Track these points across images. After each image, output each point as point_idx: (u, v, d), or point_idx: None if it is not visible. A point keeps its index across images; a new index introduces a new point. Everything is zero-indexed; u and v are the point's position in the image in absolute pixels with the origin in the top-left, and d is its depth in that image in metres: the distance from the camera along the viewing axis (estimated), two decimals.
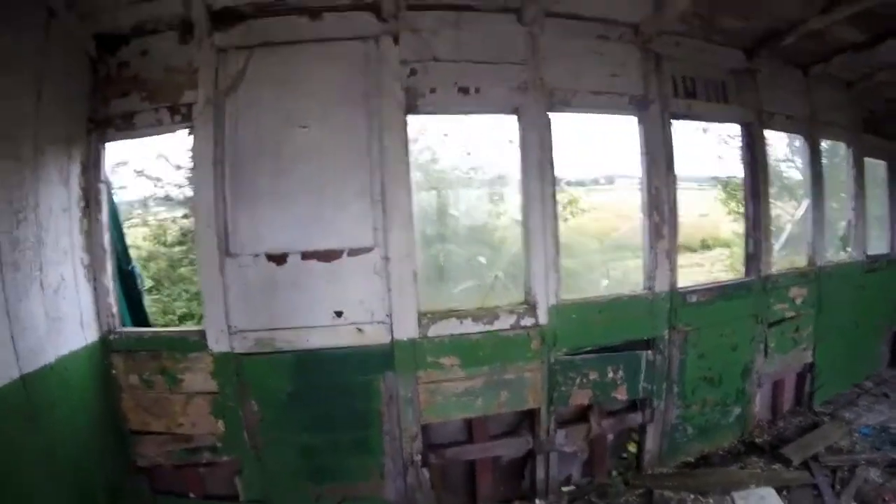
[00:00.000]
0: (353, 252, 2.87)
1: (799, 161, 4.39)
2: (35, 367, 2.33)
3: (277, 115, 2.83)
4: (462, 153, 3.23)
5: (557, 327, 3.07)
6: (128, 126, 2.89)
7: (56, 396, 2.46)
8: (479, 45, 3.04)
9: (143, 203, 5.92)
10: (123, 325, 3.07)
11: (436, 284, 3.18)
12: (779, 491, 3.27)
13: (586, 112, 3.37)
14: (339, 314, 2.90)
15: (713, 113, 3.76)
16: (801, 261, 4.14)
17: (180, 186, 5.55)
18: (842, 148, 4.69)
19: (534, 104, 3.08)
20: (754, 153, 3.81)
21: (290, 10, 2.83)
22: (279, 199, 2.87)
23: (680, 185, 3.55)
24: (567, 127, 3.29)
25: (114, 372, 2.88)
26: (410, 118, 3.00)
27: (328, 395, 2.95)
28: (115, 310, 2.98)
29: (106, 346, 2.86)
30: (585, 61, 3.22)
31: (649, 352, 3.30)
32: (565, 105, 3.18)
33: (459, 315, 3.01)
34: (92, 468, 2.65)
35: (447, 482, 3.25)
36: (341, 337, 2.90)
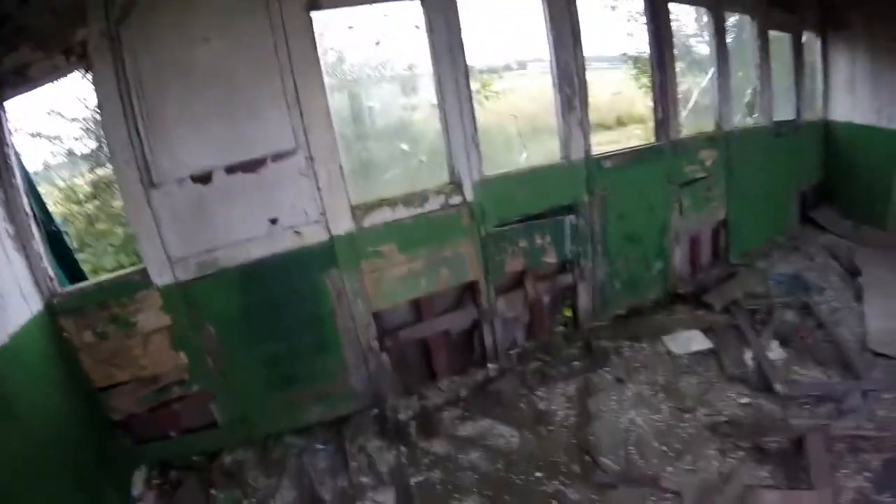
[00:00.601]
0: (277, 157, 3.11)
1: (707, 36, 5.02)
2: None
3: (177, 34, 2.92)
4: (370, 45, 3.51)
5: (484, 202, 3.56)
6: (22, 80, 2.89)
7: (19, 377, 2.51)
8: None
9: (46, 166, 5.80)
10: (62, 286, 3.17)
11: (364, 178, 3.54)
12: (704, 332, 4.05)
13: None
14: (273, 221, 3.18)
15: None
16: (708, 126, 4.81)
17: (80, 139, 5.53)
18: (747, 21, 5.33)
19: None
20: (658, 25, 4.29)
21: None
22: (193, 119, 2.99)
23: (591, 64, 4.01)
24: (475, 12, 3.59)
25: (66, 335, 3.00)
26: (314, 14, 3.14)
27: (280, 303, 3.28)
28: (51, 272, 3.06)
29: (52, 311, 2.95)
30: None
31: (572, 216, 3.91)
32: None
33: (391, 203, 3.41)
34: (70, 438, 2.75)
35: (406, 362, 3.80)
36: (281, 243, 3.21)
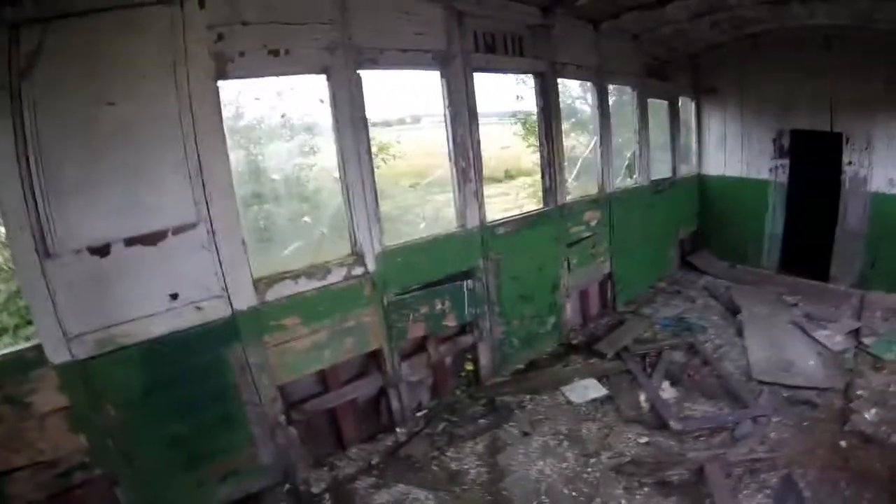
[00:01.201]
0: (178, 230, 3.24)
1: (590, 98, 6.16)
2: None
3: (82, 94, 2.97)
4: (275, 115, 3.91)
5: (385, 272, 4.01)
6: None
7: None
8: (288, 5, 3.51)
9: None
10: None
11: (266, 250, 3.89)
12: (599, 379, 4.81)
13: (394, 69, 4.21)
14: (174, 296, 3.28)
15: (511, 65, 5.01)
16: (592, 189, 5.82)
17: None
18: (628, 91, 6.59)
19: (343, 63, 3.74)
20: (548, 100, 5.19)
21: None
22: (93, 186, 3.04)
23: (482, 120, 4.60)
24: (374, 76, 4.05)
25: None
26: (221, 83, 3.34)
27: (182, 380, 3.39)
28: None
29: None
30: (393, 20, 4.00)
31: (469, 281, 4.52)
32: (374, 63, 3.93)
33: (293, 275, 3.69)
34: None
35: (314, 433, 4.05)
36: (182, 318, 3.31)
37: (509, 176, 9.88)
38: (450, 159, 4.41)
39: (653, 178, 6.71)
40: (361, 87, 3.91)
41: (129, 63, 3.10)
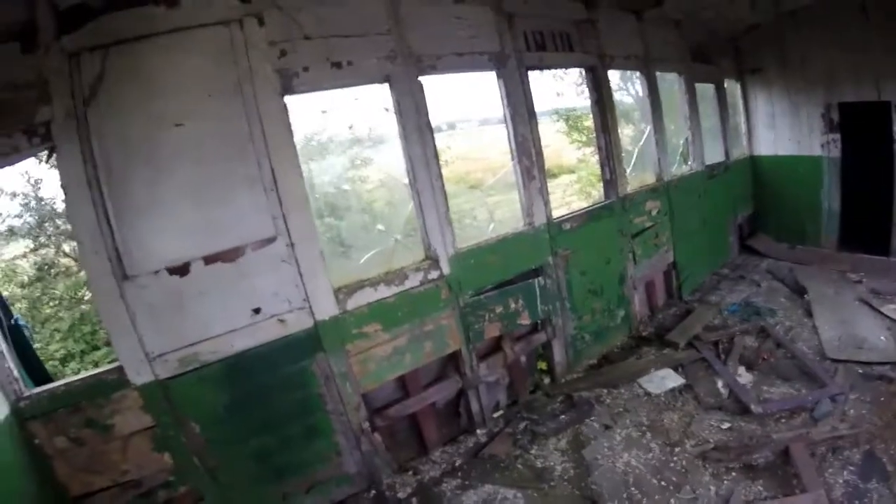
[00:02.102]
0: (257, 245, 3.35)
1: (631, 88, 6.12)
2: None
3: (148, 117, 3.07)
4: (342, 126, 4.04)
5: (460, 274, 4.08)
6: None
7: None
8: (345, 18, 3.62)
9: None
10: (27, 387, 3.14)
11: (342, 259, 4.01)
12: (674, 369, 4.78)
13: (452, 73, 4.28)
14: (256, 311, 3.37)
15: (562, 61, 5.07)
16: (650, 178, 5.79)
17: (20, 216, 5.48)
18: (675, 77, 6.47)
19: (404, 71, 3.84)
20: (600, 93, 5.20)
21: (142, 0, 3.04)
22: (167, 206, 3.12)
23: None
24: (432, 81, 4.14)
25: (37, 441, 2.99)
26: (288, 99, 3.44)
27: (266, 394, 3.47)
28: (15, 373, 3.05)
29: (19, 415, 2.95)
30: (445, 25, 4.09)
31: (540, 278, 4.55)
32: (433, 69, 4.02)
33: (372, 282, 3.80)
34: None
35: (396, 439, 4.14)
36: (265, 332, 3.40)
37: (552, 175, 9.88)
38: (513, 158, 4.47)
39: (707, 164, 6.57)
40: (424, 94, 4.00)
41: (193, 84, 3.20)
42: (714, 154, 6.91)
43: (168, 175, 3.15)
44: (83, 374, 3.36)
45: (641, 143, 5.85)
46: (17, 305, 5.26)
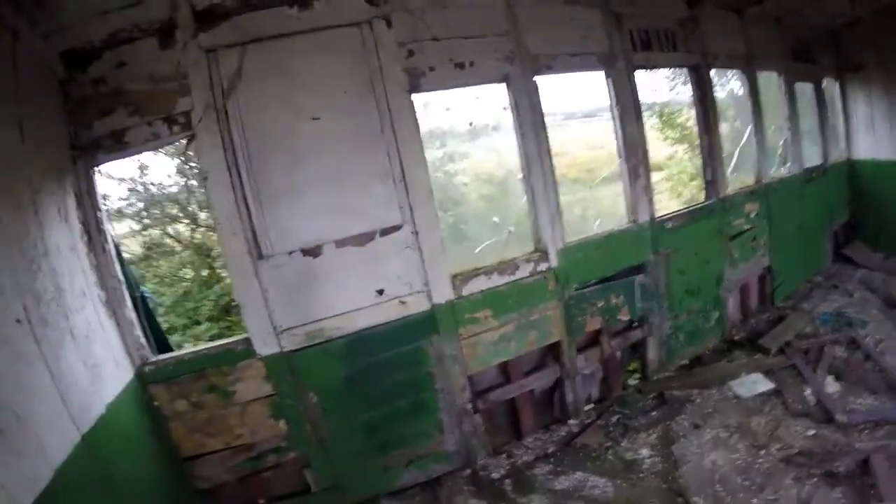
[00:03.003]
0: (385, 232, 3.67)
1: (727, 85, 6.05)
2: (90, 423, 2.61)
3: (285, 110, 3.37)
4: (464, 123, 4.31)
5: (567, 267, 4.29)
6: (119, 145, 3.25)
7: (116, 446, 2.77)
8: (466, 20, 3.86)
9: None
10: (152, 354, 3.51)
11: (459, 247, 4.30)
12: (765, 374, 4.82)
13: (565, 72, 4.46)
14: (380, 292, 3.70)
15: (667, 61, 5.16)
16: (749, 180, 5.76)
17: (126, 199, 6.22)
18: (774, 77, 6.35)
19: (521, 71, 4.07)
20: (703, 91, 5.24)
21: (275, 1, 3.35)
22: (302, 193, 3.44)
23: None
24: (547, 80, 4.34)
25: (157, 404, 3.32)
26: (415, 97, 3.72)
27: (382, 370, 3.77)
28: (143, 340, 3.40)
29: (142, 379, 3.28)
30: (559, 27, 4.28)
31: (640, 276, 4.70)
32: (548, 69, 4.23)
33: (486, 271, 4.07)
34: None
35: (494, 423, 4.41)
36: (386, 312, 3.72)
37: None
38: (620, 156, 4.63)
39: (805, 167, 6.44)
40: (538, 93, 4.22)
41: (328, 81, 3.49)
42: (812, 157, 6.76)
43: (304, 164, 3.49)
44: (211, 344, 3.74)
45: (742, 143, 5.81)
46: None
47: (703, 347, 5.34)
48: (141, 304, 3.62)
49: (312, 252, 3.57)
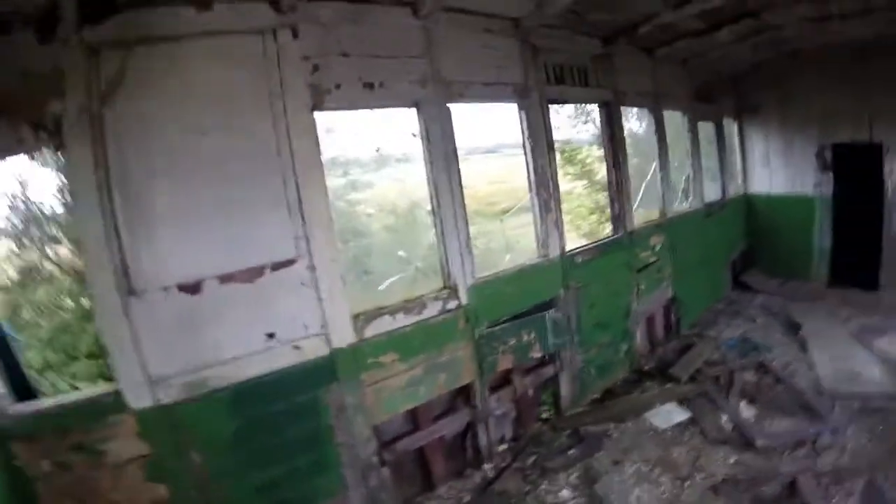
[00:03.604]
0: (277, 266, 3.27)
1: (647, 125, 6.40)
2: None
3: (170, 123, 2.96)
4: (370, 150, 4.07)
5: (477, 304, 4.14)
6: None
7: None
8: (380, 39, 3.66)
9: None
10: (12, 404, 2.96)
11: (361, 284, 4.02)
12: (679, 403, 4.96)
13: (479, 102, 4.41)
14: (271, 336, 3.29)
15: (580, 96, 5.29)
16: (654, 214, 6.07)
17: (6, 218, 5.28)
18: (678, 115, 6.81)
19: (434, 97, 3.90)
20: (613, 128, 5.43)
21: None
22: (184, 220, 3.01)
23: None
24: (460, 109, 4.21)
25: (17, 463, 2.84)
26: (317, 115, 3.41)
27: (276, 425, 3.37)
28: (1, 388, 2.89)
29: (2, 434, 2.81)
30: (476, 54, 4.19)
31: (552, 310, 4.67)
32: (461, 96, 4.09)
33: (391, 311, 3.77)
34: None
35: (404, 474, 4.10)
36: (279, 359, 3.31)
37: None
38: (531, 189, 4.61)
39: (706, 201, 6.91)
40: (451, 120, 4.08)
41: (222, 92, 3.11)
42: (712, 192, 7.28)
43: (188, 185, 3.04)
44: (74, 396, 3.20)
45: (647, 179, 6.10)
46: None
47: (614, 380, 5.44)
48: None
49: (190, 288, 3.08)
